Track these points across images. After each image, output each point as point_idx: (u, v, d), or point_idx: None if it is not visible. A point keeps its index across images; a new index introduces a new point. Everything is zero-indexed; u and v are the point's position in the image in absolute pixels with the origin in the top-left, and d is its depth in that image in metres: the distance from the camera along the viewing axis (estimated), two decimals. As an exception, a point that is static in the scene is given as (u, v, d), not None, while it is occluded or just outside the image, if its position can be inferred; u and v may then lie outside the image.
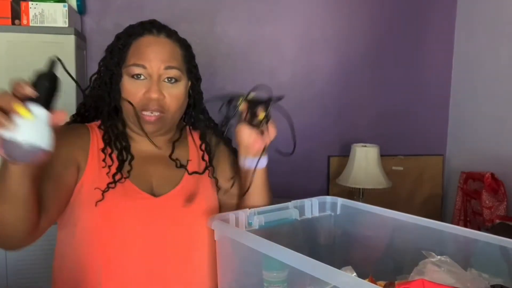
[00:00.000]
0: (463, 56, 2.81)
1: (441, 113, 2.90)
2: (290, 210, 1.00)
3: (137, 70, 0.96)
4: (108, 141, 0.99)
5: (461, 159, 2.80)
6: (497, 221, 2.22)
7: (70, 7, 2.01)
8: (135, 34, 1.00)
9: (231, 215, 0.91)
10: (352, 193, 2.46)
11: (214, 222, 0.89)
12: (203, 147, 1.10)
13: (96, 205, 0.93)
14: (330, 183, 2.74)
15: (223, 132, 1.01)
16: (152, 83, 0.97)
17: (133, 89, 0.97)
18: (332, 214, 1.05)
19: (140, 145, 1.03)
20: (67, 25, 1.96)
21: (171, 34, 1.03)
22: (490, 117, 2.57)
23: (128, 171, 0.97)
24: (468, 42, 2.77)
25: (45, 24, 1.94)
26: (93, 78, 1.05)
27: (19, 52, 1.92)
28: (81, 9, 2.24)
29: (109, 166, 0.96)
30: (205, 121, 1.13)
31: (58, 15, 1.95)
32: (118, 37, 1.02)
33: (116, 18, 2.36)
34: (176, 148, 1.08)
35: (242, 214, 0.92)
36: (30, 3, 1.93)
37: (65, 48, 1.95)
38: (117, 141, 1.00)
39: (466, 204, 2.54)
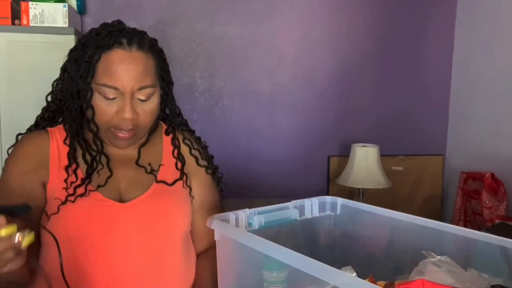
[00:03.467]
0: (463, 56, 2.81)
1: (441, 113, 2.90)
2: (290, 210, 1.00)
3: (109, 92, 0.92)
4: (71, 159, 0.96)
5: (461, 159, 2.80)
6: (497, 221, 2.22)
7: (70, 7, 2.01)
8: (104, 46, 0.92)
9: (231, 215, 0.91)
10: (352, 193, 2.46)
11: (214, 222, 0.89)
12: (175, 153, 1.07)
13: (49, 218, 0.91)
14: (330, 183, 2.74)
15: None
16: (125, 103, 0.92)
17: (104, 108, 0.93)
18: (332, 214, 1.05)
19: (109, 150, 1.01)
20: (67, 25, 1.96)
21: (142, 43, 0.95)
22: (490, 117, 2.57)
23: (99, 185, 0.95)
24: (468, 42, 2.77)
25: (45, 24, 1.94)
26: (55, 83, 1.02)
27: (19, 52, 1.92)
28: (81, 9, 2.24)
29: (71, 183, 0.94)
30: (178, 125, 1.11)
31: (58, 15, 1.95)
32: (83, 44, 0.96)
33: (116, 18, 2.35)
34: (149, 151, 1.05)
35: (242, 214, 0.92)
36: (30, 3, 1.92)
37: (65, 48, 1.90)
38: (87, 154, 0.97)
39: (466, 204, 2.54)
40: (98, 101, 0.93)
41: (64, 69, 1.00)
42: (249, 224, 0.92)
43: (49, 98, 1.03)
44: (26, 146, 0.98)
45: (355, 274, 0.82)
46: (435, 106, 2.89)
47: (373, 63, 2.76)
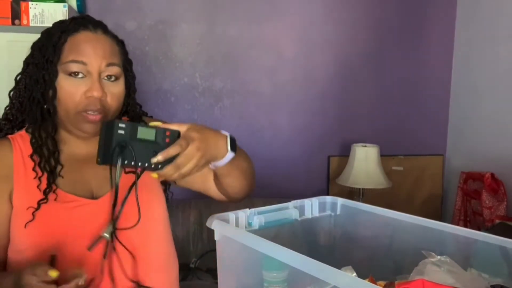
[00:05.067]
0: (463, 56, 2.81)
1: (441, 113, 2.91)
2: (290, 210, 1.00)
3: (76, 67, 0.90)
4: (36, 148, 0.94)
5: (461, 159, 2.80)
6: (497, 221, 2.22)
7: (70, 7, 2.01)
8: (70, 30, 0.93)
9: (231, 215, 0.91)
10: (352, 193, 2.46)
11: (214, 222, 0.89)
12: None
13: (25, 226, 0.89)
14: (330, 183, 2.74)
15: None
16: (93, 81, 0.91)
17: (71, 88, 0.91)
18: (332, 214, 1.05)
19: (75, 147, 0.99)
20: (67, 25, 1.96)
21: (107, 30, 0.97)
22: (490, 117, 2.57)
23: (57, 183, 0.93)
24: (468, 42, 2.77)
25: (45, 24, 1.94)
26: (18, 78, 0.99)
27: (19, 52, 1.90)
28: (81, 9, 2.24)
29: (40, 178, 0.92)
30: (140, 115, 1.10)
31: (58, 15, 1.95)
32: (48, 32, 0.96)
33: (116, 18, 2.36)
34: None
35: (242, 214, 0.92)
36: (30, 3, 1.93)
37: (65, 48, 1.95)
38: (44, 147, 0.94)
39: (466, 204, 2.54)
40: (64, 82, 0.91)
41: (26, 63, 0.99)
42: (249, 224, 0.92)
43: (11, 95, 1.01)
44: None
45: (355, 274, 0.82)
46: (435, 106, 2.89)
47: (373, 63, 2.77)
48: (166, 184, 1.11)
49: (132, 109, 1.08)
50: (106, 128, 0.81)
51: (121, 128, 0.81)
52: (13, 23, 1.91)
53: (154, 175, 0.84)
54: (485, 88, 2.62)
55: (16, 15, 1.93)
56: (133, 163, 0.80)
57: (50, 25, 1.94)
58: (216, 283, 0.93)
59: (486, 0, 2.62)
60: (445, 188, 2.93)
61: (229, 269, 0.92)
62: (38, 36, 1.95)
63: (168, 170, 0.82)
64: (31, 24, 1.93)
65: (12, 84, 2.03)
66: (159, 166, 0.82)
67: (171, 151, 0.82)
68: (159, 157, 0.81)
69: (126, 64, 1.01)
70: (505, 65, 2.46)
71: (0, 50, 1.91)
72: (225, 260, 0.91)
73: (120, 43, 1.01)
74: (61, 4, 1.96)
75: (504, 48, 2.48)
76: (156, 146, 0.82)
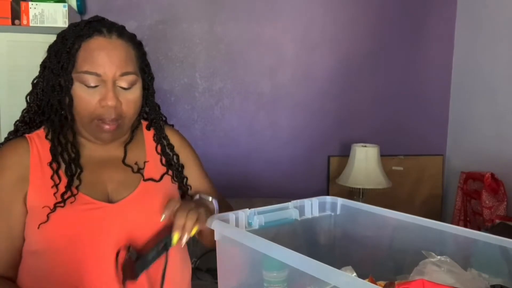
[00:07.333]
0: (463, 56, 2.81)
1: (441, 113, 2.91)
2: (290, 210, 1.00)
3: (90, 79, 0.90)
4: (55, 154, 0.94)
5: (461, 159, 2.80)
6: (497, 221, 2.22)
7: (70, 7, 2.01)
8: (84, 35, 0.91)
9: (231, 215, 0.91)
10: (352, 193, 2.46)
11: (214, 222, 0.89)
12: (159, 149, 1.07)
13: (38, 227, 0.89)
14: (330, 183, 2.74)
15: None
16: (107, 90, 0.91)
17: (86, 97, 0.91)
18: (332, 214, 1.05)
19: (93, 151, 0.99)
20: (67, 25, 1.94)
21: (122, 33, 0.96)
22: (490, 117, 2.57)
23: (77, 186, 0.93)
24: (468, 42, 2.77)
25: (45, 24, 1.94)
26: (35, 81, 0.98)
27: (19, 52, 1.92)
28: (81, 9, 2.24)
29: (57, 185, 0.91)
30: (159, 120, 1.09)
31: (58, 15, 1.95)
32: (63, 37, 0.94)
33: (116, 18, 2.34)
34: (132, 150, 1.04)
35: (242, 214, 0.92)
36: (30, 3, 1.92)
37: (65, 48, 1.95)
38: (65, 153, 0.94)
39: (466, 204, 2.54)
40: (79, 90, 0.91)
41: (43, 66, 0.98)
42: (249, 224, 0.92)
43: (28, 99, 1.00)
44: (6, 157, 0.95)
45: (355, 274, 0.82)
46: (435, 106, 2.89)
47: (373, 63, 2.77)
48: (183, 189, 1.10)
49: (152, 112, 1.07)
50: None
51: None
52: (13, 23, 1.91)
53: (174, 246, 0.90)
54: (485, 88, 2.62)
55: (16, 15, 1.93)
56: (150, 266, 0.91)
57: (50, 25, 1.97)
58: (216, 283, 0.92)
59: (486, 0, 2.62)
60: (445, 188, 2.93)
61: (229, 269, 0.92)
62: (38, 36, 1.97)
63: (176, 236, 0.88)
64: (31, 24, 1.93)
65: (12, 84, 2.05)
66: (168, 246, 0.90)
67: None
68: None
69: (144, 66, 1.00)
70: (505, 65, 2.46)
71: (0, 50, 1.91)
72: (225, 260, 0.91)
73: (137, 46, 0.99)
74: (61, 4, 1.96)
75: (504, 48, 2.48)
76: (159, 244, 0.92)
